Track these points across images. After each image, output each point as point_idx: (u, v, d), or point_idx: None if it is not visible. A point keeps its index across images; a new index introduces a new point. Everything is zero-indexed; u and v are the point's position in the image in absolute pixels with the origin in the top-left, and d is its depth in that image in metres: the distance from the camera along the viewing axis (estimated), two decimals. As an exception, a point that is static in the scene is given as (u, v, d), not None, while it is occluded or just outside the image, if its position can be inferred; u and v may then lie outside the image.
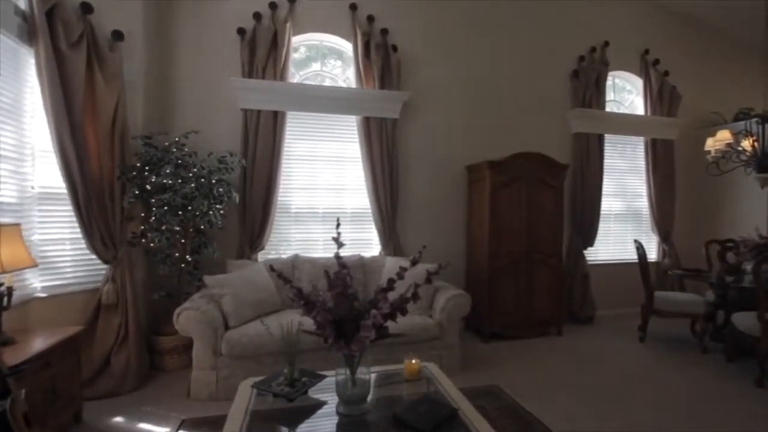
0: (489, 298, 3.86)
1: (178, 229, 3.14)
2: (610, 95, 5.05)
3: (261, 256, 3.80)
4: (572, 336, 4.14)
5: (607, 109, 4.82)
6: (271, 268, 1.80)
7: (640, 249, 3.94)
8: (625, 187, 5.05)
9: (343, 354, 1.74)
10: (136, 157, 3.10)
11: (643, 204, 5.08)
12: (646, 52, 4.95)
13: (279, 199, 3.83)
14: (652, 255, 5.12)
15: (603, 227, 4.86)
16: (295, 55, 4.03)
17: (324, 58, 4.19)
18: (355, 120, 3.98)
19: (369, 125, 3.92)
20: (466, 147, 4.32)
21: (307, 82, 4.02)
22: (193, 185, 3.05)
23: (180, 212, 3.07)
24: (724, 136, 3.67)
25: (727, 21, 5.14)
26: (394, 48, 3.99)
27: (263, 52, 3.67)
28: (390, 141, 3.96)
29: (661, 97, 4.94)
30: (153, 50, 3.41)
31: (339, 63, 4.22)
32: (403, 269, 2.01)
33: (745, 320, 3.08)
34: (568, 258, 4.64)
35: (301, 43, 4.06)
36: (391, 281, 1.92)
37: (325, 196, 4.03)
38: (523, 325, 3.99)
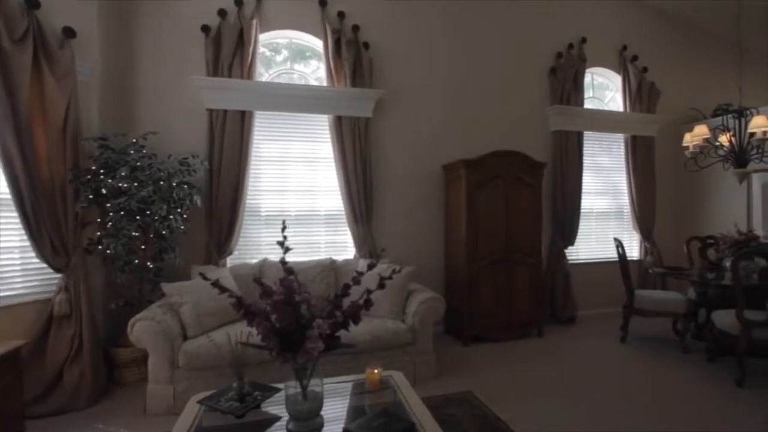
0: (468, 300, 3.76)
1: (137, 234, 2.99)
2: (589, 92, 4.99)
3: (230, 261, 3.66)
4: (553, 337, 4.05)
5: (586, 106, 4.76)
6: (203, 277, 1.65)
7: (620, 247, 3.87)
8: (606, 184, 4.99)
9: (291, 366, 1.62)
10: (90, 159, 2.94)
11: (625, 202, 5.02)
12: (624, 48, 4.91)
13: (248, 201, 3.70)
14: (634, 253, 5.07)
15: (584, 226, 4.80)
16: (263, 51, 3.91)
17: (294, 56, 4.06)
18: (327, 119, 3.86)
19: (341, 124, 3.81)
20: (443, 146, 4.22)
21: (276, 81, 3.89)
22: (151, 189, 2.90)
23: (138, 217, 2.93)
24: (701, 131, 3.62)
25: (704, 17, 5.13)
26: (366, 45, 3.89)
27: (229, 50, 3.54)
28: (363, 140, 3.85)
29: (640, 93, 4.90)
30: (110, 48, 3.26)
31: (309, 61, 4.10)
32: (360, 273, 1.90)
33: (724, 318, 3.01)
34: (549, 258, 4.56)
35: (269, 41, 3.93)
36: (346, 287, 1.81)
37: (297, 198, 3.90)
38: (504, 327, 3.89)
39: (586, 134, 4.74)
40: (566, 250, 4.57)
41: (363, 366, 2.87)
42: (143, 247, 3.07)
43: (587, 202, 4.83)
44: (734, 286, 2.87)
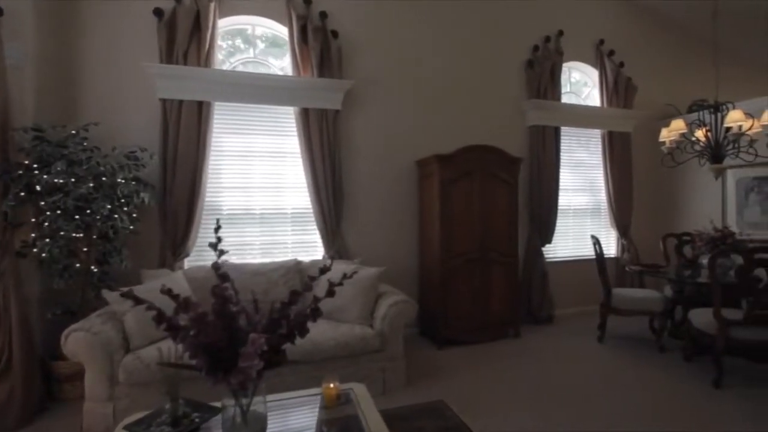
0: (442, 301, 3.60)
1: (78, 236, 2.71)
2: (566, 87, 4.91)
3: (188, 263, 3.41)
4: (530, 337, 3.93)
5: (564, 100, 4.66)
6: (127, 296, 1.43)
7: (597, 245, 3.78)
8: (583, 181, 4.91)
9: (226, 387, 1.41)
10: (22, 152, 2.65)
11: (602, 198, 4.95)
12: (601, 42, 4.83)
13: (208, 199, 3.45)
14: (612, 250, 5.01)
15: (562, 223, 4.70)
16: (222, 42, 3.65)
17: (257, 43, 3.82)
18: (293, 111, 3.63)
19: (308, 117, 3.59)
20: (417, 141, 4.04)
21: (238, 70, 3.64)
22: (90, 185, 2.63)
23: (77, 216, 2.65)
24: (678, 125, 3.54)
25: (680, 13, 5.09)
26: (335, 34, 3.67)
27: (184, 36, 3.27)
28: (331, 134, 3.63)
29: (617, 88, 4.83)
30: (48, 30, 2.96)
31: (274, 49, 3.86)
32: (312, 279, 1.70)
33: (701, 317, 2.93)
34: (526, 256, 4.45)
35: (229, 27, 3.68)
36: (294, 294, 1.60)
37: (261, 196, 3.66)
38: (480, 329, 3.75)
39: (564, 130, 4.64)
40: (543, 248, 4.46)
41: (330, 375, 2.68)
42: (85, 249, 2.79)
43: (564, 199, 4.74)
44: (712, 285, 2.79)
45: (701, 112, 3.67)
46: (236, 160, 3.59)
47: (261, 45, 3.83)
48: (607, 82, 4.82)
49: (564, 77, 4.84)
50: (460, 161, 3.61)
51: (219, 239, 1.52)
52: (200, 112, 3.32)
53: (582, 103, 4.97)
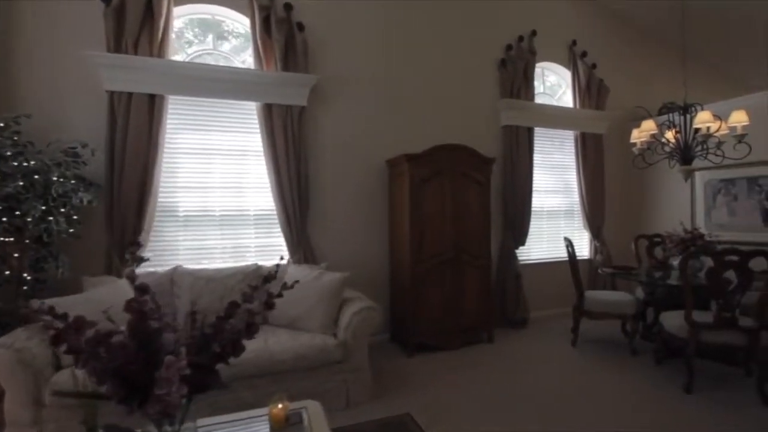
0: (412, 306, 3.45)
1: (8, 240, 2.44)
2: (539, 88, 4.86)
3: (138, 269, 3.15)
4: (503, 342, 3.83)
5: (538, 101, 4.61)
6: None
7: (570, 247, 3.71)
8: (556, 182, 4.88)
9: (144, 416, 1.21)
10: (-59, 147, 2.36)
11: (575, 200, 4.93)
12: (574, 43, 4.81)
13: (162, 200, 3.21)
14: (585, 252, 4.99)
15: (535, 225, 4.65)
16: (178, 32, 3.42)
17: (216, 34, 3.60)
18: (255, 107, 3.43)
19: (271, 113, 3.39)
20: (388, 140, 3.90)
21: (196, 62, 3.41)
22: (20, 183, 2.37)
23: (5, 219, 2.38)
24: (648, 126, 3.52)
25: (651, 17, 5.14)
26: (300, 26, 3.48)
27: (134, 23, 3.02)
28: (296, 131, 3.45)
29: (590, 90, 4.81)
30: (-24, 12, 2.68)
31: (235, 41, 3.64)
32: (253, 288, 1.52)
33: (673, 321, 2.89)
34: (500, 258, 4.36)
35: (186, 16, 3.45)
36: (232, 306, 1.42)
37: (222, 196, 3.44)
38: (452, 334, 3.62)
39: (538, 130, 4.59)
40: (517, 250, 4.39)
41: (288, 390, 2.49)
42: (16, 255, 2.52)
43: (538, 201, 4.69)
44: (683, 287, 2.74)
45: (671, 114, 3.67)
46: (194, 157, 3.36)
47: (221, 36, 3.61)
48: (579, 84, 4.80)
49: (538, 78, 4.80)
50: (431, 161, 3.48)
51: (137, 244, 1.32)
52: (152, 106, 3.08)
53: (555, 104, 4.93)
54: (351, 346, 2.60)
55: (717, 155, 3.43)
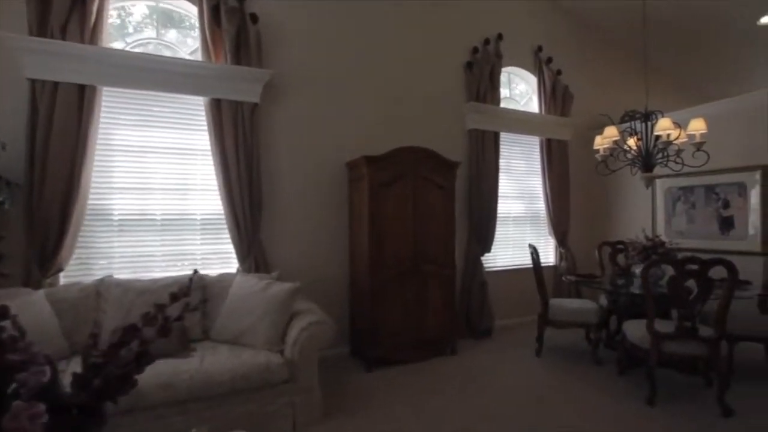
0: (372, 318, 3.26)
1: None
2: (506, 93, 4.82)
3: (64, 278, 2.81)
4: (467, 354, 3.69)
5: (504, 106, 4.55)
6: None
7: (534, 254, 3.63)
8: (523, 188, 4.83)
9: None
10: None
11: (541, 206, 4.89)
12: (540, 49, 4.79)
13: (93, 202, 2.89)
14: (551, 259, 4.95)
15: (501, 231, 4.57)
16: (115, 18, 3.12)
17: (161, 23, 3.32)
18: (203, 102, 3.17)
19: (220, 109, 3.14)
20: (349, 141, 3.71)
21: (135, 51, 3.11)
22: None
23: None
24: (611, 132, 3.49)
25: (614, 26, 5.21)
26: (254, 17, 3.25)
27: (63, 6, 2.71)
28: (248, 130, 3.21)
29: (555, 96, 4.80)
30: None
31: (182, 30, 3.37)
32: (161, 307, 1.27)
33: (635, 330, 2.82)
34: (465, 266, 4.24)
35: (124, 2, 3.16)
36: (127, 333, 1.18)
37: (164, 199, 3.14)
38: (414, 347, 3.45)
39: (504, 135, 4.52)
40: (483, 258, 4.28)
41: (227, 415, 2.25)
42: None
43: (504, 207, 4.61)
44: (645, 297, 2.68)
45: (633, 123, 3.68)
46: (132, 156, 3.05)
47: (166, 25, 3.34)
48: (545, 90, 4.78)
49: (504, 85, 4.75)
50: (393, 164, 3.31)
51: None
52: (82, 98, 2.76)
53: (522, 109, 4.90)
54: (299, 364, 2.37)
55: (677, 163, 3.44)
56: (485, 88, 4.28)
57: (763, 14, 4.75)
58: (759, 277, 3.41)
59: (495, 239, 4.38)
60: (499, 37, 4.47)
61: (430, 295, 3.50)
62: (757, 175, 3.75)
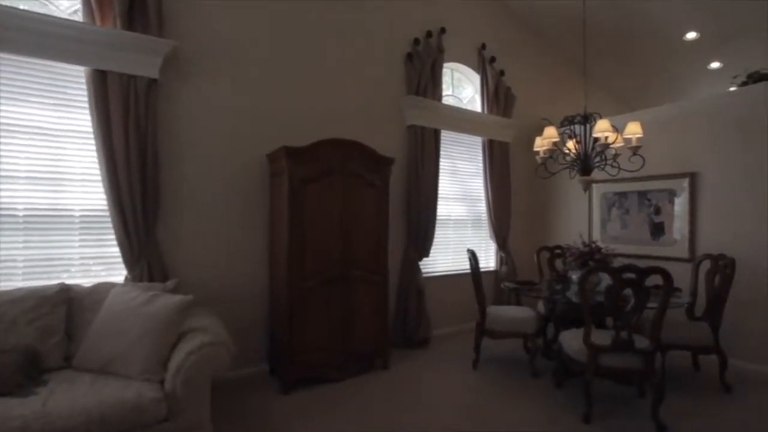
0: (289, 333, 2.84)
1: None
2: (449, 90, 4.61)
3: None
4: (400, 367, 3.39)
5: (445, 102, 4.33)
6: None
7: (473, 259, 3.40)
8: (465, 190, 4.64)
9: None
10: None
11: (483, 209, 4.73)
12: (483, 47, 4.64)
13: None
14: (491, 264, 4.81)
15: (442, 234, 4.34)
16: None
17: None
18: (84, 73, 2.59)
19: (105, 83, 2.58)
20: (275, 131, 3.27)
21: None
22: None
23: None
24: (550, 133, 3.37)
25: (557, 30, 5.20)
26: (154, -24, 2.73)
27: None
28: (142, 110, 2.67)
29: (497, 96, 4.67)
30: None
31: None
32: None
33: (572, 342, 2.65)
34: (401, 272, 3.95)
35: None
36: None
37: (27, 190, 2.52)
38: (340, 363, 3.08)
39: (445, 134, 4.30)
40: (421, 262, 4.01)
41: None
42: None
43: (445, 208, 4.39)
44: (582, 307, 2.51)
45: (572, 126, 3.59)
46: (-18, 135, 2.42)
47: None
48: (488, 89, 4.63)
49: (447, 81, 4.54)
50: (317, 158, 2.93)
51: None
52: None
53: (464, 107, 4.71)
54: (182, 396, 1.90)
55: (613, 166, 3.38)
56: (426, 82, 4.03)
57: (688, 31, 4.94)
58: (687, 283, 3.43)
59: (434, 243, 4.14)
60: (442, 30, 4.24)
61: (359, 305, 3.15)
62: (685, 183, 3.81)
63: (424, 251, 4.03)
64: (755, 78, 3.63)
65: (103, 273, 2.74)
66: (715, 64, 5.58)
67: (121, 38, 2.57)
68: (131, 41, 2.60)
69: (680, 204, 3.84)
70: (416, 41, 4.08)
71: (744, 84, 3.66)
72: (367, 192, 3.17)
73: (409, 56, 4.03)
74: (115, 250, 2.69)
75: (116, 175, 2.59)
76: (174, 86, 2.88)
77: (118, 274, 2.73)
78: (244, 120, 3.17)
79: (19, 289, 2.17)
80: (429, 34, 4.16)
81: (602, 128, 3.07)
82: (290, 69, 3.38)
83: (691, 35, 5.02)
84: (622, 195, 4.26)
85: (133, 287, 2.32)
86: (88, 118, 2.59)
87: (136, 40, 2.61)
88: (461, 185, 4.60)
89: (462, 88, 4.80)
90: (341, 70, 3.66)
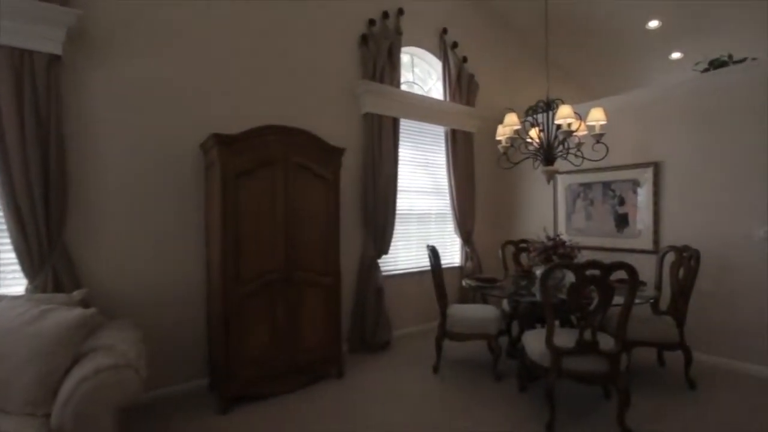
0: (226, 343, 2.53)
1: None
2: (409, 76, 4.36)
3: None
4: (356, 375, 3.13)
5: (404, 89, 4.07)
6: None
7: (433, 256, 3.17)
8: (428, 182, 4.41)
9: None
10: None
11: (447, 202, 4.52)
12: (445, 31, 4.40)
13: None
14: (456, 259, 4.62)
15: (403, 230, 4.11)
16: None
17: None
18: (-37, 47, 2.18)
19: (-9, 58, 2.17)
20: (212, 119, 2.92)
21: None
22: None
23: None
24: (511, 120, 3.17)
25: (522, 20, 5.04)
26: (53, -66, 2.32)
27: None
28: (42, 91, 2.28)
29: (460, 83, 4.45)
30: None
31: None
32: None
33: (534, 345, 2.46)
34: (359, 272, 3.69)
35: None
36: None
37: None
38: (286, 375, 2.78)
39: (405, 123, 4.05)
40: (380, 260, 3.76)
41: None
42: None
43: (407, 202, 4.16)
44: (544, 307, 2.32)
45: (534, 115, 3.42)
46: None
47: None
48: (450, 76, 4.40)
49: (407, 65, 4.29)
50: (255, 146, 2.61)
51: None
52: None
53: (425, 95, 4.47)
54: (72, 434, 1.58)
55: (576, 155, 3.23)
56: (383, 67, 3.75)
57: (650, 19, 4.88)
58: (652, 275, 3.33)
59: (395, 239, 3.90)
60: (400, 11, 3.97)
61: (308, 310, 2.87)
62: (649, 173, 3.71)
63: (383, 248, 3.77)
64: (716, 65, 3.55)
65: (5, 282, 2.34)
66: (676, 54, 5.56)
67: (12, 5, 2.16)
68: (25, 8, 2.19)
69: (644, 194, 3.74)
70: (371, 22, 3.79)
71: (706, 71, 3.57)
72: (314, 185, 2.87)
73: (364, 38, 3.74)
74: (12, 256, 2.30)
75: (8, 168, 2.19)
76: (85, 65, 2.49)
77: (18, 285, 2.34)
78: (175, 106, 2.80)
79: None
80: (386, 15, 3.88)
81: (564, 114, 2.89)
82: (227, 46, 3.03)
83: (653, 23, 4.95)
84: (587, 186, 4.14)
85: (24, 301, 1.94)
86: (-28, 100, 2.18)
87: (32, 8, 2.20)
88: (425, 177, 4.37)
89: (423, 74, 4.55)
90: (288, 48, 3.33)
